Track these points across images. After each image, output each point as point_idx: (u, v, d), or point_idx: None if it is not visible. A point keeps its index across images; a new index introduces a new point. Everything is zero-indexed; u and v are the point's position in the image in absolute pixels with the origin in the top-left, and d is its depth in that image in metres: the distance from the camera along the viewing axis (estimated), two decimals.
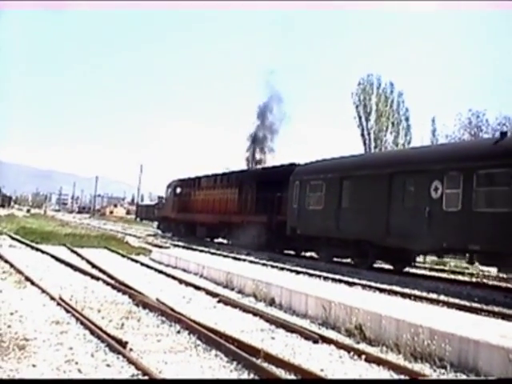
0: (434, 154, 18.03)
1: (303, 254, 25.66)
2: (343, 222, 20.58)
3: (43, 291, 10.69)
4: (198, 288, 12.74)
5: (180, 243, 30.04)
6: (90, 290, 11.54)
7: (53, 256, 17.68)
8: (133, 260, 18.98)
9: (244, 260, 21.03)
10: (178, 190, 40.06)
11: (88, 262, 16.95)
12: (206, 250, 25.19)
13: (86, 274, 14.03)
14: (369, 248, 19.36)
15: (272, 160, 47.88)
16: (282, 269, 18.17)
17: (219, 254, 23.07)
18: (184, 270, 16.74)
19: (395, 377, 6.69)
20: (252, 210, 28.84)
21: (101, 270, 14.85)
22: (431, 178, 16.63)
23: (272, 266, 19.01)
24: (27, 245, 21.69)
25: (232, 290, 13.13)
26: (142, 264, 17.75)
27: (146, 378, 5.91)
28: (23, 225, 34.06)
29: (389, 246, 18.34)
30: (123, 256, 20.08)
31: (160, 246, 26.39)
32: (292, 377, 6.37)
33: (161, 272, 15.76)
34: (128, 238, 32.34)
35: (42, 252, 19.06)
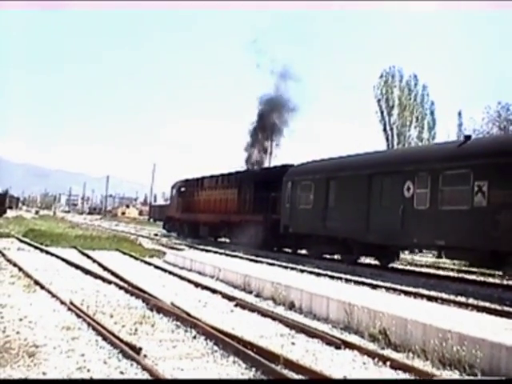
0: (407, 156, 20.37)
1: (296, 250, 27.08)
2: (330, 221, 22.60)
3: (53, 296, 10.75)
4: (214, 291, 12.75)
5: (195, 244, 30.10)
6: (102, 294, 11.59)
7: (63, 259, 17.80)
8: (146, 262, 19.05)
9: (262, 262, 21.00)
10: (182, 190, 42.34)
11: (99, 264, 17.04)
12: (222, 251, 25.21)
13: (97, 277, 14.10)
14: (353, 245, 21.37)
15: (275, 160, 48.19)
16: (302, 271, 18.11)
17: (236, 256, 23.05)
18: (199, 273, 16.77)
19: None
20: (250, 209, 30.86)
21: (113, 273, 14.92)
22: (404, 179, 18.54)
23: (291, 268, 18.95)
24: (36, 247, 21.87)
25: (250, 293, 13.12)
26: (156, 267, 17.81)
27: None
28: (32, 227, 34.32)
29: (370, 243, 20.37)
30: (136, 258, 20.17)
31: (174, 248, 26.45)
32: None
33: (175, 275, 15.80)
34: (141, 239, 32.51)
35: (52, 255, 19.21)
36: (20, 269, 14.53)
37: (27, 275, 13.39)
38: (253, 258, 22.38)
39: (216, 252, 24.69)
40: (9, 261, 16.28)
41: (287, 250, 27.68)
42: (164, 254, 21.88)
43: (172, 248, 26.72)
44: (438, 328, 7.84)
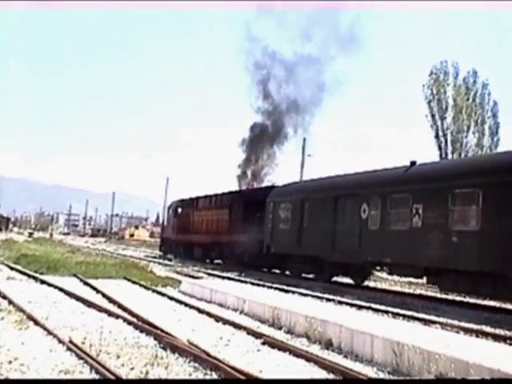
0: (364, 180, 24.74)
1: (276, 269, 32.43)
2: (304, 240, 27.52)
3: (49, 333, 10.76)
4: (237, 327, 12.69)
5: (215, 272, 30.14)
6: (107, 330, 11.59)
7: (61, 289, 17.87)
8: (159, 293, 19.07)
9: (293, 292, 20.94)
10: (179, 210, 47.83)
11: (104, 295, 17.09)
12: (247, 280, 25.19)
13: (101, 310, 14.12)
14: (324, 263, 26.02)
15: (277, 178, 50.11)
16: (341, 303, 18.02)
17: (263, 285, 23.02)
18: (220, 305, 16.72)
19: None
20: (238, 229, 35.30)
21: (120, 306, 14.93)
22: (361, 201, 23.44)
23: (328, 300, 18.88)
24: (29, 276, 21.99)
25: (279, 329, 13.04)
26: (170, 298, 17.81)
27: None
28: (24, 252, 34.54)
29: (337, 261, 25.17)
30: (147, 288, 20.21)
31: (191, 276, 26.49)
32: None
33: (192, 307, 15.77)
34: (152, 265, 32.59)
35: (48, 285, 19.28)
36: (10, 301, 14.53)
37: (19, 309, 13.42)
38: (283, 287, 22.32)
39: (240, 280, 24.66)
40: None
41: (276, 270, 32.31)
42: (179, 282, 21.88)
43: (188, 276, 26.75)
44: (510, 374, 7.69)
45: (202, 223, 42.42)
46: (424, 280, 22.38)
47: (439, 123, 49.39)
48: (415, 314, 16.01)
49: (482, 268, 17.92)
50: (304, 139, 55.42)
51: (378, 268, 26.44)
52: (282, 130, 53.63)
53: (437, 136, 49.46)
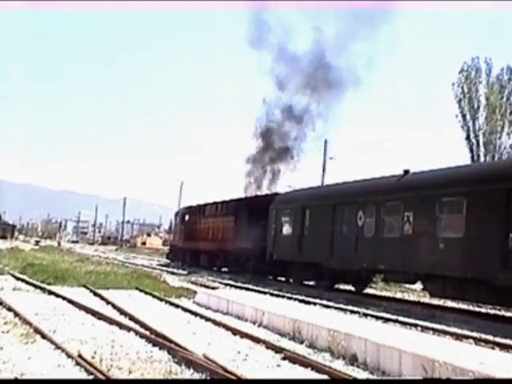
0: (361, 188, 26.70)
1: (278, 277, 33.80)
2: (305, 247, 29.48)
3: (57, 347, 10.79)
4: (256, 340, 12.68)
5: (231, 282, 30.13)
6: (119, 344, 11.62)
7: (70, 300, 17.93)
8: (172, 304, 19.08)
9: (315, 304, 20.88)
10: (186, 218, 50.17)
11: (115, 307, 17.14)
12: (266, 290, 25.17)
13: (112, 323, 14.15)
14: (323, 270, 27.71)
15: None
16: (365, 315, 17.94)
17: (282, 296, 22.98)
18: (238, 317, 16.71)
19: None
20: (243, 237, 36.92)
21: (132, 318, 14.96)
22: (357, 209, 25.37)
23: (351, 312, 18.81)
24: (36, 287, 22.10)
25: (301, 343, 13.01)
26: (185, 309, 17.80)
27: None
28: (31, 261, 34.70)
29: (334, 268, 26.92)
30: (160, 299, 20.23)
31: (207, 286, 26.49)
32: None
33: (208, 319, 15.77)
34: (166, 275, 32.64)
35: (56, 296, 19.37)
36: (16, 314, 14.60)
37: (25, 321, 13.46)
38: (303, 298, 22.28)
39: (258, 291, 24.64)
40: (1, 304, 16.35)
41: (281, 278, 33.44)
42: (194, 293, 21.91)
43: (204, 286, 26.76)
44: None
45: (208, 230, 44.44)
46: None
47: (470, 124, 49.02)
48: (446, 328, 15.91)
49: (466, 274, 19.60)
50: (325, 141, 55.42)
51: (374, 275, 27.69)
52: (302, 127, 53.40)
53: (468, 137, 49.07)
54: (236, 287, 27.29)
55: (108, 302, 18.24)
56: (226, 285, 28.86)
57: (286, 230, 31.86)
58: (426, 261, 21.13)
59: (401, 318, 17.66)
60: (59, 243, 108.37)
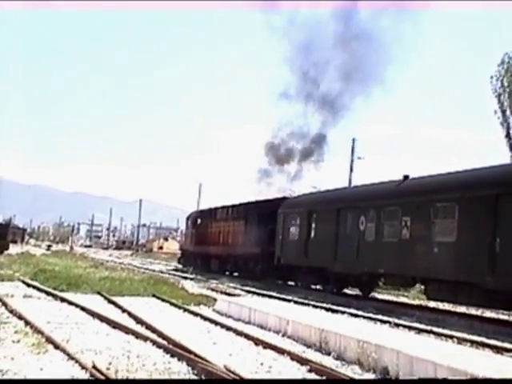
0: (363, 193, 29.31)
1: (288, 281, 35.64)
2: (310, 252, 31.31)
3: (71, 357, 10.80)
4: (280, 351, 12.63)
5: (253, 289, 30.12)
6: (135, 354, 11.62)
7: (83, 308, 17.99)
8: (191, 312, 19.08)
9: (343, 312, 20.82)
10: (198, 221, 52.29)
11: (131, 315, 17.17)
12: (290, 298, 25.13)
13: (128, 332, 14.17)
14: (329, 275, 29.71)
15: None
16: (397, 325, 17.86)
17: (307, 304, 22.94)
18: (261, 326, 16.68)
19: None
20: (252, 241, 38.86)
21: (148, 327, 14.98)
22: (359, 214, 27.25)
23: (382, 322, 18.72)
24: (48, 294, 22.18)
25: (328, 354, 12.95)
26: (204, 318, 17.79)
27: None
28: (43, 267, 34.85)
29: (339, 272, 28.89)
30: (178, 307, 20.24)
31: (227, 293, 26.48)
32: None
33: (229, 329, 15.75)
34: (184, 282, 32.69)
35: (69, 303, 19.43)
36: (27, 322, 14.63)
37: (37, 330, 13.49)
38: (330, 306, 22.22)
39: (283, 299, 24.61)
40: (12, 312, 16.41)
41: (291, 283, 35.05)
42: (214, 300, 21.91)
43: (224, 293, 26.76)
44: None
45: (219, 234, 46.42)
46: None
47: (511, 120, 48.40)
48: (485, 340, 15.76)
49: (458, 277, 21.41)
50: (353, 140, 55.32)
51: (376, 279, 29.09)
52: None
53: (508, 135, 48.49)
54: (258, 294, 27.26)
55: (123, 310, 18.28)
56: (248, 292, 28.83)
57: (293, 234, 33.69)
58: (422, 264, 23.02)
59: (435, 329, 17.54)
60: (72, 248, 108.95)
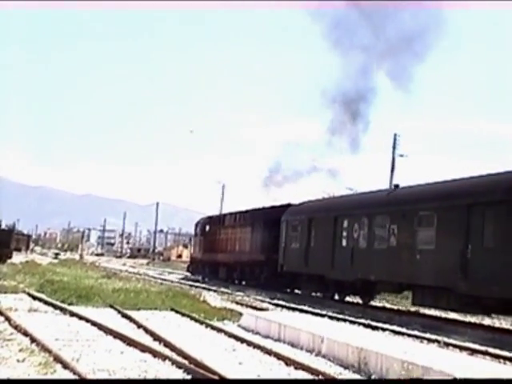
0: (358, 201, 33.43)
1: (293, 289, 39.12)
2: (310, 259, 34.81)
3: (81, 378, 10.81)
4: (314, 372, 12.58)
5: (282, 302, 30.10)
6: (152, 375, 11.62)
7: (95, 323, 18.01)
8: (214, 328, 19.01)
9: (384, 329, 20.71)
10: (206, 228, 55.96)
11: (147, 331, 17.16)
12: (324, 312, 25.06)
13: (144, 350, 14.16)
14: (328, 282, 33.18)
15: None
16: (447, 344, 17.71)
17: (344, 320, 22.84)
18: (292, 344, 16.61)
19: None
20: (257, 248, 42.80)
21: (167, 345, 14.96)
22: (354, 221, 30.90)
23: (429, 340, 18.59)
24: (56, 307, 22.20)
25: (368, 377, 12.89)
26: (229, 334, 17.74)
27: None
28: (50, 277, 34.85)
29: (336, 279, 32.39)
30: (200, 322, 20.21)
31: (254, 307, 26.44)
32: None
33: (256, 346, 15.69)
34: (206, 294, 32.67)
35: (79, 318, 19.47)
36: (33, 339, 14.62)
37: (43, 348, 13.49)
38: (369, 322, 22.14)
39: (316, 313, 24.54)
40: (16, 327, 16.40)
41: (297, 291, 38.30)
42: (240, 315, 21.85)
43: (251, 307, 26.72)
44: None
45: (227, 242, 50.08)
46: None
47: None
48: None
49: (438, 283, 24.82)
50: (394, 136, 55.07)
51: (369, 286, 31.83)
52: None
53: None
54: (288, 308, 27.23)
55: (139, 326, 18.29)
56: (277, 305, 28.79)
57: (295, 241, 37.21)
58: (407, 271, 26.40)
59: (491, 350, 17.36)
60: (82, 256, 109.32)
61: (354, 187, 54.40)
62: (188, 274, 61.03)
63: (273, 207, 45.73)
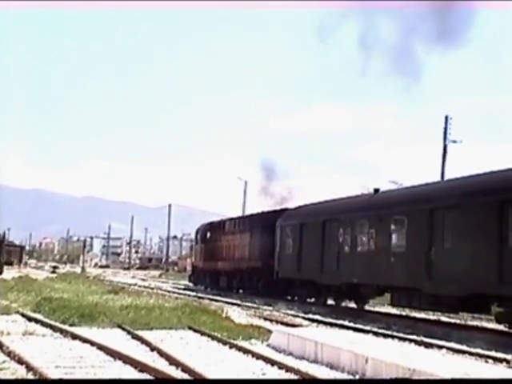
0: (342, 205, 37.68)
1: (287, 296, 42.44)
2: (302, 264, 39.22)
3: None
4: None
5: (318, 317, 30.03)
6: None
7: (101, 347, 18.01)
8: (240, 349, 18.93)
9: (440, 347, 20.58)
10: (207, 235, 60.33)
11: (162, 354, 17.16)
12: (367, 328, 24.99)
13: (159, 376, 14.16)
14: (319, 287, 37.58)
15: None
16: None
17: (391, 336, 22.74)
18: (331, 366, 16.55)
19: None
20: (255, 255, 47.38)
21: (185, 369, 14.95)
22: (339, 226, 35.60)
23: (494, 359, 18.42)
24: (55, 329, 22.15)
25: None
26: (257, 355, 17.64)
27: None
28: (47, 294, 34.77)
29: (326, 284, 36.87)
30: (223, 342, 20.15)
31: (286, 323, 26.36)
32: None
33: (290, 370, 15.64)
34: (228, 308, 32.63)
35: (83, 341, 19.45)
36: (29, 367, 14.61)
37: (42, 378, 13.51)
38: (422, 338, 22.01)
39: (358, 329, 24.47)
40: (9, 354, 16.38)
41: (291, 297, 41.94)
42: (269, 332, 21.79)
43: (281, 323, 26.66)
44: None
45: (227, 249, 54.51)
46: None
47: None
48: None
49: (408, 284, 29.39)
50: (446, 118, 54.43)
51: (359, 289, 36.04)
52: None
53: None
54: (325, 324, 27.18)
55: (152, 348, 18.30)
56: (311, 321, 28.73)
57: (288, 247, 41.71)
58: (384, 273, 30.90)
59: None
60: (84, 269, 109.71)
61: (397, 181, 54.40)
62: (190, 284, 62.56)
63: (270, 212, 50.67)
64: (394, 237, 30.98)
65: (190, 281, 65.89)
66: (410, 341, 21.43)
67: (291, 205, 53.97)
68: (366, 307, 37.51)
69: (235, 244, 52.54)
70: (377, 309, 37.34)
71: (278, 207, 57.16)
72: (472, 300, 26.13)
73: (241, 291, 49.74)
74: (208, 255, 58.83)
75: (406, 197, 31.93)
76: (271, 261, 42.97)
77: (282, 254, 42.32)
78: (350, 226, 34.68)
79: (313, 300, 39.03)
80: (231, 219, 57.89)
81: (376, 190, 35.64)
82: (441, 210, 28.06)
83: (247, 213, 74.83)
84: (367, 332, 23.63)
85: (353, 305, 37.93)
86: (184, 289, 58.17)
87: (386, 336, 22.80)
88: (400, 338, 22.09)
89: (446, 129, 54.46)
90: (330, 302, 38.76)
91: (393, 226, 31.10)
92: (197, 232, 65.83)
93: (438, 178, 47.48)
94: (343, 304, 38.32)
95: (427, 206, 28.69)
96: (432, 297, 27.77)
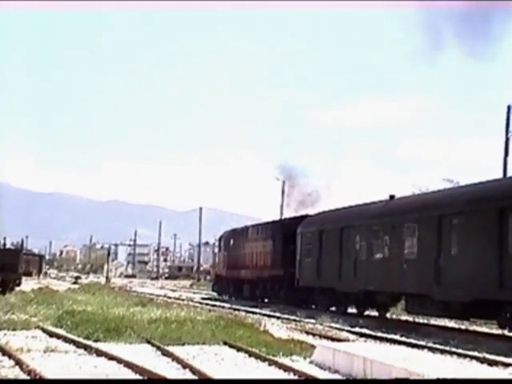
0: (359, 212, 40.45)
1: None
2: (322, 272, 42.18)
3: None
4: None
5: (366, 330, 29.90)
6: None
7: (128, 364, 18.00)
8: (280, 366, 18.86)
9: (506, 365, 20.34)
10: (230, 242, 63.54)
11: (195, 372, 17.10)
12: (422, 343, 24.83)
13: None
14: (339, 295, 40.11)
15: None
16: None
17: (449, 352, 22.58)
18: None
19: None
20: (277, 262, 50.13)
21: None
22: (356, 233, 38.50)
23: None
24: (79, 345, 22.22)
25: None
26: (299, 373, 17.58)
27: None
28: (70, 307, 34.86)
29: (345, 292, 39.42)
30: (262, 359, 20.06)
31: (331, 338, 26.25)
32: None
33: None
34: (267, 321, 32.56)
35: (108, 358, 19.48)
36: None
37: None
38: (484, 355, 21.84)
39: (411, 344, 24.34)
40: (30, 373, 16.40)
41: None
42: (312, 348, 21.70)
43: (326, 337, 26.55)
44: None
45: (250, 256, 57.18)
46: None
47: None
48: None
49: (420, 291, 31.99)
50: (508, 108, 53.21)
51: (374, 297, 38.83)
52: None
53: None
54: (375, 338, 27.05)
55: (184, 365, 18.23)
56: (360, 335, 28.60)
57: (308, 254, 44.80)
58: (397, 280, 33.69)
59: None
60: (108, 279, 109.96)
61: (454, 179, 54.23)
62: (214, 293, 65.12)
63: (291, 218, 54.64)
64: (406, 244, 33.52)
65: (213, 290, 68.53)
66: (471, 357, 21.25)
67: (329, 204, 56.91)
68: (421, 320, 37.25)
69: (258, 251, 55.19)
70: (432, 322, 36.56)
71: (313, 207, 61.33)
72: (477, 306, 28.39)
73: (266, 300, 52.10)
74: (231, 263, 61.59)
75: (417, 203, 34.95)
76: (293, 269, 45.60)
77: (302, 261, 45.29)
78: (366, 233, 37.48)
79: (333, 308, 40.92)
80: (254, 226, 60.61)
81: (391, 197, 38.39)
82: (448, 216, 30.66)
83: (285, 216, 77.82)
84: (422, 347, 23.48)
85: (374, 313, 40.53)
86: (217, 299, 58.24)
87: (443, 352, 22.64)
88: (459, 355, 21.91)
89: (508, 120, 52.71)
90: (352, 310, 41.10)
91: (405, 233, 33.65)
92: (220, 239, 69.47)
93: (500, 175, 46.72)
94: (366, 312, 40.67)
95: (436, 212, 31.38)
96: (441, 303, 30.41)
